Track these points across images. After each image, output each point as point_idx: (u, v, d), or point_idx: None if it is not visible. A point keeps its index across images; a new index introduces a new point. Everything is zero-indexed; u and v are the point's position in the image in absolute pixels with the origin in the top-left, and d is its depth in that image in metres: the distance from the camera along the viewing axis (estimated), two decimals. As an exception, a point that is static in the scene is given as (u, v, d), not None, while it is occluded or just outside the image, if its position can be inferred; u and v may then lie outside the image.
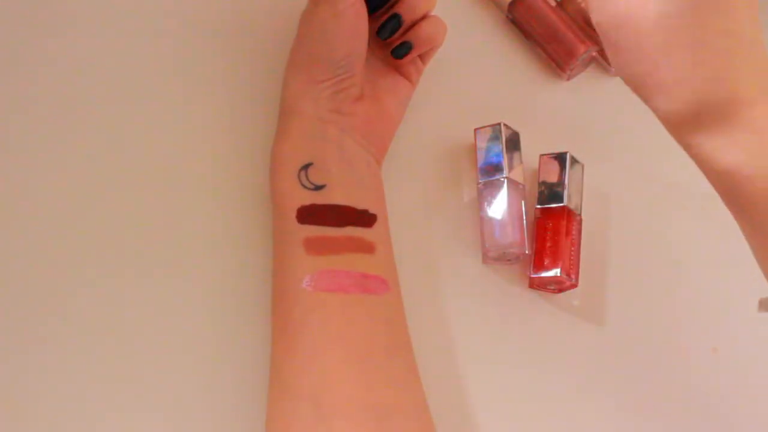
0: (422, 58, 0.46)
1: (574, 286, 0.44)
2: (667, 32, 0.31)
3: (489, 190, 0.45)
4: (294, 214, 0.40)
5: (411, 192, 0.47)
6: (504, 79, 0.51)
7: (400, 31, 0.43)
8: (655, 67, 0.32)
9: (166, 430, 0.41)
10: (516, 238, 0.44)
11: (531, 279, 0.45)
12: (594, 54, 0.50)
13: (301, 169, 0.41)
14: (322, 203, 0.40)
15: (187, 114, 0.48)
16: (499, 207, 0.44)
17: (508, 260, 0.45)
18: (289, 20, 0.49)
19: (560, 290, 0.45)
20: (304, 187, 0.41)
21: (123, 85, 0.48)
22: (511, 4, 0.51)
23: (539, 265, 0.44)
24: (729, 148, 0.32)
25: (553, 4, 0.51)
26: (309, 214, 0.40)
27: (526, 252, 0.44)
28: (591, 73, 0.51)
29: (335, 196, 0.41)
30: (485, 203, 0.45)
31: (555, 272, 0.43)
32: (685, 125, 0.33)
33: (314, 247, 0.39)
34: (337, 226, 0.40)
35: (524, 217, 0.45)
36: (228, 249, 0.45)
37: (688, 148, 0.34)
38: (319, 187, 0.41)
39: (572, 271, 0.44)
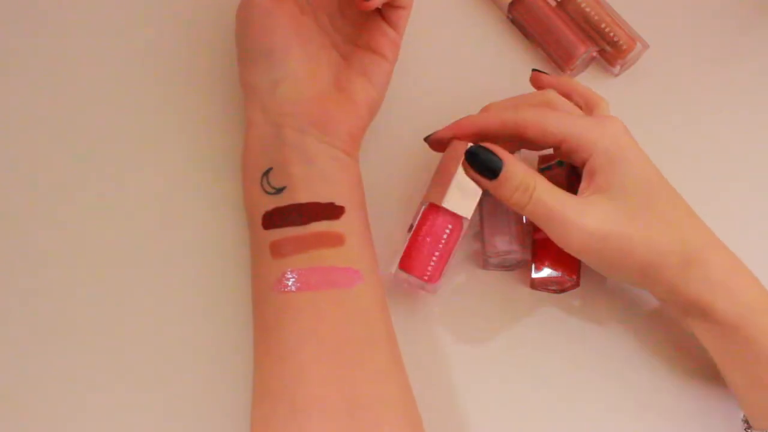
0: (395, 26, 0.44)
1: (576, 285, 0.44)
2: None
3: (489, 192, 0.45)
4: (260, 222, 0.41)
5: (410, 193, 0.47)
6: (504, 79, 0.51)
7: None
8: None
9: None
10: (515, 246, 0.44)
11: (532, 280, 0.45)
12: (594, 54, 0.50)
13: (262, 176, 0.41)
14: (283, 205, 0.40)
15: (173, 119, 0.48)
16: (498, 210, 0.44)
17: (508, 266, 0.45)
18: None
19: (562, 290, 0.45)
20: (267, 192, 0.41)
21: (102, 89, 0.48)
22: (511, 4, 0.51)
23: (540, 266, 0.44)
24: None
25: (553, 4, 0.51)
26: (272, 219, 0.40)
27: (527, 258, 0.44)
28: (591, 73, 0.51)
29: (296, 195, 0.40)
30: (484, 207, 0.45)
31: (556, 273, 0.43)
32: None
33: (279, 250, 0.40)
34: (301, 225, 0.40)
35: (524, 219, 0.45)
36: (215, 254, 0.45)
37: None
38: (279, 190, 0.41)
39: (573, 271, 0.44)
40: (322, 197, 0.41)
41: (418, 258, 0.42)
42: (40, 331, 0.43)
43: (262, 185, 0.41)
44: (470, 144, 0.40)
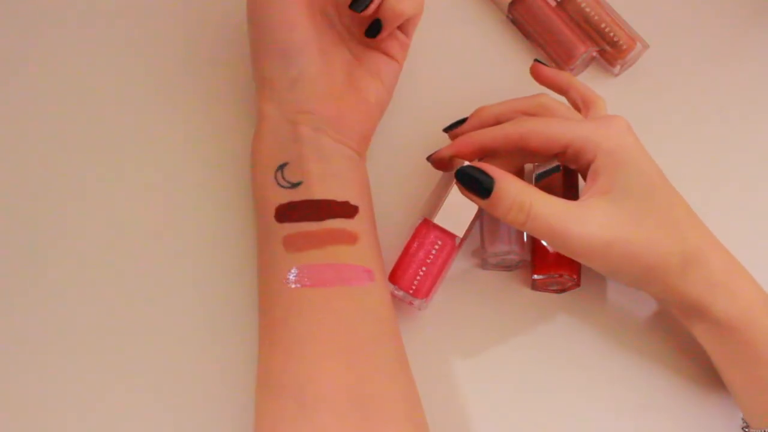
0: (404, 31, 0.45)
1: (577, 285, 0.44)
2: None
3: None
4: (272, 214, 0.40)
5: (409, 194, 0.47)
6: (504, 78, 0.51)
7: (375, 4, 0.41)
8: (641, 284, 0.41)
9: (159, 428, 0.42)
10: (515, 247, 0.44)
11: (533, 281, 0.45)
12: (594, 54, 0.50)
13: (277, 170, 0.41)
14: (299, 199, 0.40)
15: (175, 114, 0.48)
16: None
17: (507, 267, 0.45)
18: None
19: (562, 290, 0.45)
20: (281, 186, 0.41)
21: (107, 87, 0.48)
22: (511, 4, 0.51)
23: (541, 266, 0.44)
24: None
25: (553, 4, 0.51)
26: (286, 212, 0.40)
27: (526, 258, 0.44)
28: (591, 73, 0.51)
29: (313, 191, 0.40)
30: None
31: (558, 273, 0.43)
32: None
33: (293, 244, 0.39)
34: (317, 221, 0.40)
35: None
36: (218, 250, 0.45)
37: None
38: (295, 185, 0.40)
39: (574, 271, 0.44)
40: (338, 195, 0.41)
41: (406, 271, 0.42)
42: (42, 330, 0.43)
43: (276, 178, 0.41)
44: (466, 163, 0.40)
